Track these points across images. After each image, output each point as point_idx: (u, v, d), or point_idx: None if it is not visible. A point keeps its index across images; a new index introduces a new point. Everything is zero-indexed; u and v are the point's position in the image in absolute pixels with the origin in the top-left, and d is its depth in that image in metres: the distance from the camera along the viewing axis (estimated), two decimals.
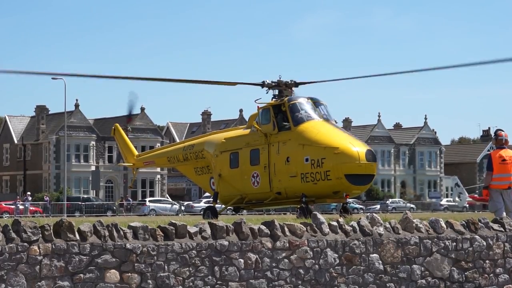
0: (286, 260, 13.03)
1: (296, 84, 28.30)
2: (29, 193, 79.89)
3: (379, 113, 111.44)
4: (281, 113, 27.17)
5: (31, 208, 70.24)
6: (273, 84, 28.06)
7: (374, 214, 14.39)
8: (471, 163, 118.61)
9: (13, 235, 11.27)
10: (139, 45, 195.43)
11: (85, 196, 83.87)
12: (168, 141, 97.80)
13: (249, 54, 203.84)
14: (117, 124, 38.26)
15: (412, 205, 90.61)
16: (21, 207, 69.85)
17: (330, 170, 25.47)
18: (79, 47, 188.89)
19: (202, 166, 30.78)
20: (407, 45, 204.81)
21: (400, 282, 13.95)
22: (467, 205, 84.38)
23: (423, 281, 14.15)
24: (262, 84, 28.21)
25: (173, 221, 12.47)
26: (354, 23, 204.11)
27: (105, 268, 11.71)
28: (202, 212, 32.70)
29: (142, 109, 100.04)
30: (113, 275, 11.76)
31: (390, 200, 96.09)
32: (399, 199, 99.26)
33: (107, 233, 11.80)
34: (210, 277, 12.43)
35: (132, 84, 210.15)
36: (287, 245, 13.06)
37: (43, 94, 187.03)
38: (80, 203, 75.59)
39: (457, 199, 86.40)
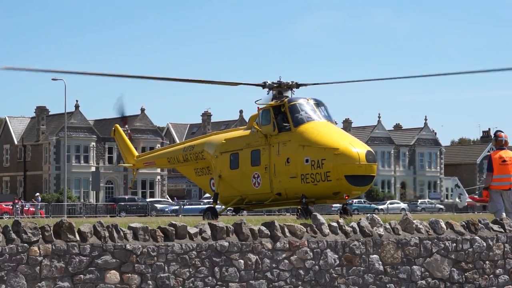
0: (286, 261, 13.03)
1: (298, 86, 28.33)
2: (38, 193, 79.86)
3: (379, 114, 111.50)
4: (281, 114, 27.17)
5: (31, 209, 69.90)
6: (274, 85, 28.07)
7: (374, 215, 14.39)
8: (471, 164, 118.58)
9: (13, 235, 11.26)
10: (139, 45, 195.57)
11: (129, 196, 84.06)
12: (168, 142, 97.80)
13: (249, 54, 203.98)
14: (117, 125, 38.23)
15: (441, 206, 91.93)
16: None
17: (330, 171, 25.47)
18: (79, 47, 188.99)
19: (202, 167, 30.77)
20: (407, 45, 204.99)
21: (400, 283, 13.95)
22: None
23: (423, 282, 14.15)
24: (263, 85, 28.25)
25: (173, 222, 12.47)
26: (354, 23, 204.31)
27: (105, 269, 11.71)
28: (202, 213, 32.70)
29: (142, 110, 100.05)
30: (113, 276, 11.76)
31: (420, 201, 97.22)
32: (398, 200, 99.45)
33: (107, 234, 11.80)
34: (210, 278, 12.43)
35: (132, 84, 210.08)
36: (287, 246, 13.06)
37: (43, 95, 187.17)
38: (123, 203, 76.52)
39: (457, 200, 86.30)
